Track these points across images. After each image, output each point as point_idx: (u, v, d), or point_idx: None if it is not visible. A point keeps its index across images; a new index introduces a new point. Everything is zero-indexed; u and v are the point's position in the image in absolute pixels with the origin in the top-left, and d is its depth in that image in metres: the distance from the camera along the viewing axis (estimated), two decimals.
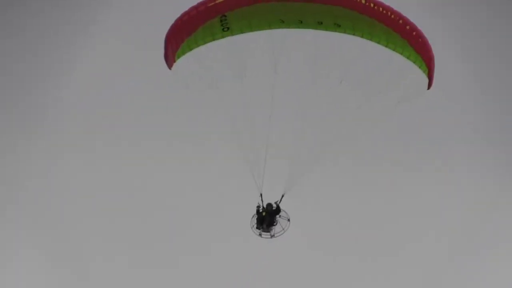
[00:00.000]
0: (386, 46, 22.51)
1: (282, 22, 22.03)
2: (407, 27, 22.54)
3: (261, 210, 24.61)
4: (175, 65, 22.51)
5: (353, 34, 22.30)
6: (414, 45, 22.61)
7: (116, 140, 32.42)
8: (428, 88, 23.22)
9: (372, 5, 22.26)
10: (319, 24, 22.13)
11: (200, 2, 22.08)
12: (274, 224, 24.81)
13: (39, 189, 32.52)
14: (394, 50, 22.54)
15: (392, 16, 22.40)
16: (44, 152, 33.01)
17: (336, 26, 22.15)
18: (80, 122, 33.02)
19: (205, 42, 22.05)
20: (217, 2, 21.92)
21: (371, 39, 22.40)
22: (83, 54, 33.97)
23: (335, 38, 22.57)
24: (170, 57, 22.43)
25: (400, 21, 22.45)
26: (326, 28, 22.15)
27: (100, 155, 32.60)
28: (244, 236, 24.77)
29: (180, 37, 22.09)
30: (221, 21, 21.93)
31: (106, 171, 32.21)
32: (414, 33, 22.62)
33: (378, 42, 22.48)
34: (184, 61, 22.48)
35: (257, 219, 24.78)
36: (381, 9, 22.35)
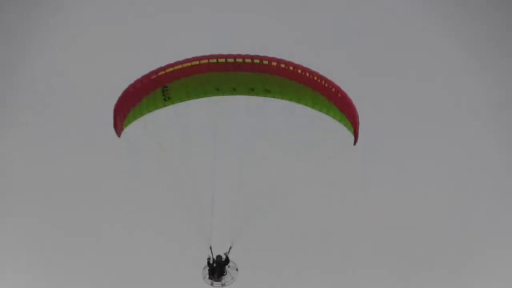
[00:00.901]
0: (313, 108, 24.97)
1: (217, 90, 24.55)
2: (332, 89, 24.99)
3: (211, 262, 26.86)
4: (123, 133, 24.96)
5: (282, 99, 24.79)
6: (339, 105, 25.05)
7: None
8: (354, 143, 25.63)
9: (299, 71, 24.75)
10: (251, 91, 24.63)
11: (144, 75, 24.62)
12: (224, 274, 27.05)
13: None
14: (320, 111, 25.00)
15: (318, 80, 24.87)
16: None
17: (266, 92, 24.65)
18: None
19: (149, 111, 24.54)
20: (158, 74, 24.47)
21: (298, 102, 24.87)
22: None
23: (267, 102, 25.06)
24: (118, 126, 24.86)
25: (326, 84, 24.91)
26: (257, 94, 24.64)
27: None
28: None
29: (127, 108, 24.56)
30: (162, 91, 24.45)
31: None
32: (339, 94, 25.07)
33: (306, 105, 24.95)
34: (132, 129, 24.96)
35: (208, 270, 27.02)
36: (307, 74, 24.82)
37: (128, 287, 32.78)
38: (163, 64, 24.50)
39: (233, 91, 24.57)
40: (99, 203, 33.85)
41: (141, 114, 24.55)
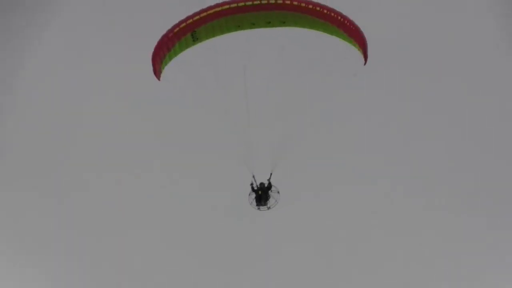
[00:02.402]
0: (325, 33, 28.48)
1: (239, 27, 28.29)
2: (340, 18, 28.44)
3: (255, 188, 30.35)
4: (162, 76, 28.96)
5: (296, 26, 28.35)
6: (348, 32, 28.51)
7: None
8: (364, 64, 29.08)
9: (310, 6, 28.30)
10: (267, 24, 28.26)
11: (175, 24, 28.55)
12: (268, 198, 30.48)
13: None
14: (331, 34, 28.49)
15: (326, 12, 28.36)
16: None
17: (282, 23, 28.26)
18: None
19: (181, 51, 28.44)
20: (188, 23, 28.38)
21: (311, 29, 28.40)
22: None
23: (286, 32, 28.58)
24: (157, 72, 28.89)
25: (333, 14, 28.39)
26: (273, 25, 28.25)
27: None
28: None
29: (163, 54, 28.55)
30: (192, 35, 28.34)
31: None
32: (346, 22, 28.50)
33: (317, 30, 28.48)
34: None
35: (255, 197, 30.51)
36: (318, 8, 28.35)
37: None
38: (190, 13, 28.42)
39: (252, 25, 28.22)
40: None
41: (175, 55, 28.43)
